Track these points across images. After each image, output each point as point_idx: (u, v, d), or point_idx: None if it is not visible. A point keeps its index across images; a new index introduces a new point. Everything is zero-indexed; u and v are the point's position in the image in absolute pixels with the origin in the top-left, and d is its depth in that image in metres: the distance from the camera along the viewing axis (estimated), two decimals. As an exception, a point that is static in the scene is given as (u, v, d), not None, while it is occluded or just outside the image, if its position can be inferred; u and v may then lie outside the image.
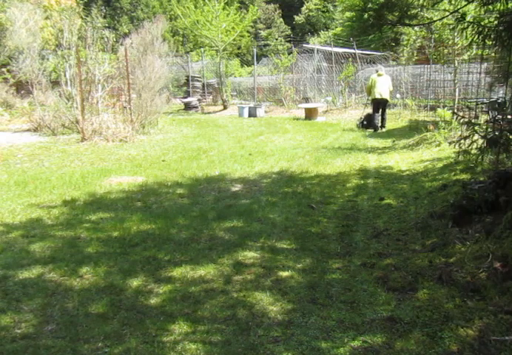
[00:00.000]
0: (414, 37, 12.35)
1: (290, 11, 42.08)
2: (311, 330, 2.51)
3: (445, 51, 10.42)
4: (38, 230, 4.30)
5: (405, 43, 12.85)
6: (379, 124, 11.57)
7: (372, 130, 11.49)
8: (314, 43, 22.89)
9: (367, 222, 4.39)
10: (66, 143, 9.96)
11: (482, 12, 4.37)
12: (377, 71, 11.87)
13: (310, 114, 14.53)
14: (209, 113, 18.13)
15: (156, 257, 3.61)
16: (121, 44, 11.89)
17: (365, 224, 4.32)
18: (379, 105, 11.56)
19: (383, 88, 11.44)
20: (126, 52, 10.95)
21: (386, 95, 11.51)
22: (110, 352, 2.36)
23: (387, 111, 11.94)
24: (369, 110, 12.39)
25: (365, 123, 11.93)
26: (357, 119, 12.67)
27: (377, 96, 11.42)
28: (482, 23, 3.85)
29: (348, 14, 28.12)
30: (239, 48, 29.91)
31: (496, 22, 3.73)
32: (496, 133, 3.79)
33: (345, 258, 3.52)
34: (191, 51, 30.19)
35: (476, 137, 4.00)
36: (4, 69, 14.94)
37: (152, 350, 2.36)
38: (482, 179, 4.34)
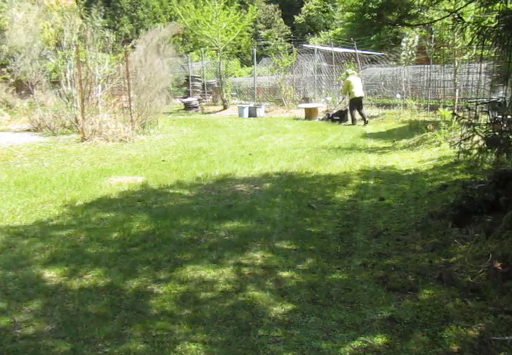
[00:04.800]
0: (412, 39, 12.42)
1: (290, 11, 42.02)
2: (311, 330, 2.51)
3: (446, 51, 10.42)
4: (38, 230, 4.30)
5: (404, 45, 12.93)
6: (365, 119, 12.73)
7: (350, 123, 12.91)
8: (314, 43, 22.86)
9: (367, 222, 4.39)
10: (66, 143, 9.96)
11: (483, 12, 4.36)
12: (347, 74, 13.39)
13: (310, 114, 14.55)
14: (209, 113, 18.12)
15: (156, 257, 3.60)
16: (123, 45, 11.89)
17: (365, 224, 4.32)
18: (358, 102, 12.86)
19: (359, 87, 12.90)
20: (127, 52, 10.96)
21: (362, 93, 13.12)
22: (110, 352, 2.36)
23: (364, 107, 13.25)
24: (340, 107, 14.03)
25: (336, 118, 13.45)
26: (324, 112, 14.30)
27: (357, 95, 12.73)
28: (482, 23, 3.85)
29: (348, 14, 28.08)
30: (239, 48, 29.84)
31: (496, 22, 3.73)
32: (496, 133, 3.79)
33: (345, 258, 3.52)
34: (191, 51, 30.14)
35: (476, 138, 4.00)
36: (4, 70, 14.95)
37: (152, 350, 2.36)
38: (482, 179, 4.34)
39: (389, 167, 6.77)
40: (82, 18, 13.72)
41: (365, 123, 12.54)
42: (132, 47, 11.98)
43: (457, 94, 10.51)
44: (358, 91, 12.73)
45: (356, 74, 13.75)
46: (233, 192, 5.62)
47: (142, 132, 11.15)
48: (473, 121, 4.00)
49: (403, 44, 13.13)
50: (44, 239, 4.03)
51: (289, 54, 18.16)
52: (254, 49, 21.01)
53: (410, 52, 12.97)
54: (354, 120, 12.82)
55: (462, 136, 4.19)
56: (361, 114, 12.75)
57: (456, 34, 9.19)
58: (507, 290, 2.70)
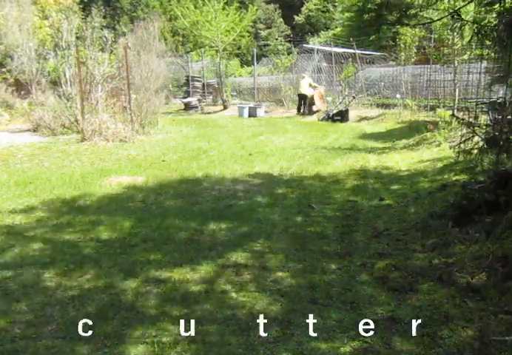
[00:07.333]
0: (412, 37, 12.39)
1: (290, 11, 42.01)
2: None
3: (446, 51, 10.42)
4: (38, 230, 4.30)
5: (402, 46, 12.90)
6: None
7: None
8: (313, 43, 22.85)
9: (367, 222, 4.39)
10: (66, 143, 9.96)
11: (482, 12, 4.36)
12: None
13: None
14: (208, 113, 18.12)
15: (156, 257, 3.60)
16: (117, 43, 11.84)
17: (365, 224, 4.32)
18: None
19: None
20: (126, 51, 10.94)
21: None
22: (110, 352, 2.36)
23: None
24: (340, 107, 14.48)
25: (336, 118, 13.82)
26: (323, 112, 14.81)
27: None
28: (482, 23, 3.85)
29: (347, 14, 28.06)
30: (239, 48, 29.86)
31: (495, 22, 3.73)
32: (496, 133, 3.79)
33: (345, 258, 3.52)
34: (191, 51, 30.14)
35: (476, 138, 4.00)
36: (4, 70, 14.94)
37: (152, 350, 2.36)
38: (482, 179, 4.34)
39: (389, 167, 6.77)
40: (81, 18, 13.70)
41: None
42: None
43: (457, 94, 10.52)
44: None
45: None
46: (233, 192, 5.62)
47: (142, 132, 11.13)
48: (472, 122, 4.00)
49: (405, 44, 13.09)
50: (43, 240, 4.03)
51: (289, 54, 18.16)
52: (254, 50, 21.02)
53: (410, 53, 12.92)
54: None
55: (461, 136, 4.19)
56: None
57: (455, 33, 9.19)
58: (507, 290, 2.70)
